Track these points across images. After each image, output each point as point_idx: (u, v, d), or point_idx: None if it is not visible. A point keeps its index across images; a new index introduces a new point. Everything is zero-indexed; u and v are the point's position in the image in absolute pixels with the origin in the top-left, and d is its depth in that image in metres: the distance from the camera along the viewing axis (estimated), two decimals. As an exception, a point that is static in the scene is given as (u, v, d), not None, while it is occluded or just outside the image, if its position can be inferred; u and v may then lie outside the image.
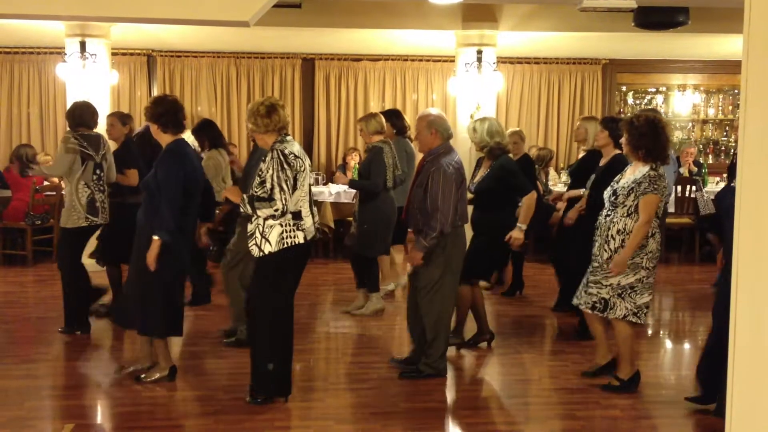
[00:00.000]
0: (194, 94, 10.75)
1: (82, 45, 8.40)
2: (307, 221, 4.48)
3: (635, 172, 4.70)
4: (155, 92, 10.66)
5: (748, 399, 2.15)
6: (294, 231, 4.38)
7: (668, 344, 6.24)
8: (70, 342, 5.98)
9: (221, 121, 10.72)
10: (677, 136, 11.63)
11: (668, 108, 11.64)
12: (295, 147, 4.46)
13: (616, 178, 4.85)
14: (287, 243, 4.36)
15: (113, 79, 9.02)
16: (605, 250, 4.68)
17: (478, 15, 8.84)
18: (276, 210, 4.29)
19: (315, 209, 4.67)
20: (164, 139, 4.81)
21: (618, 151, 5.60)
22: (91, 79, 8.47)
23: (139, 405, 4.57)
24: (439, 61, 10.80)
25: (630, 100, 11.64)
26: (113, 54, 9.01)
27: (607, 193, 4.81)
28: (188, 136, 9.86)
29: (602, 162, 5.82)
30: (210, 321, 6.44)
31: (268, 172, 4.32)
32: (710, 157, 11.62)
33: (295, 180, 4.36)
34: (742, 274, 2.14)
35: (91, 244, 6.52)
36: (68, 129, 6.09)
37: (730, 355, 2.18)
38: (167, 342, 4.98)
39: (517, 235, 5.43)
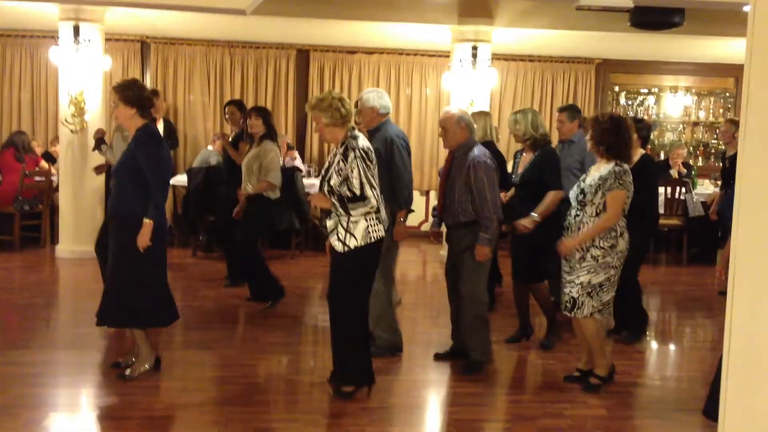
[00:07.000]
0: (187, 81, 10.66)
1: (76, 29, 8.32)
2: (383, 213, 4.46)
3: (600, 169, 4.70)
4: (148, 79, 10.56)
5: (742, 402, 2.16)
6: (377, 224, 4.37)
7: (654, 345, 6.26)
8: (56, 329, 5.93)
9: (213, 110, 10.66)
10: (668, 137, 11.66)
11: (660, 109, 11.66)
12: (366, 142, 4.43)
13: (582, 177, 4.88)
14: (373, 237, 4.33)
15: (106, 64, 8.94)
16: (577, 250, 4.69)
17: (474, 10, 8.84)
18: (372, 207, 4.29)
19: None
20: (136, 123, 4.68)
21: (644, 151, 5.69)
22: (84, 64, 8.41)
23: (125, 395, 4.55)
24: (434, 56, 10.77)
25: (622, 101, 11.64)
26: (107, 40, 8.93)
27: (573, 192, 4.79)
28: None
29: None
30: (198, 310, 6.42)
31: (353, 170, 4.25)
32: (700, 159, 11.66)
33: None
34: (739, 276, 2.15)
35: None
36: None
37: (724, 357, 2.19)
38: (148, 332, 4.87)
39: (527, 223, 5.38)
